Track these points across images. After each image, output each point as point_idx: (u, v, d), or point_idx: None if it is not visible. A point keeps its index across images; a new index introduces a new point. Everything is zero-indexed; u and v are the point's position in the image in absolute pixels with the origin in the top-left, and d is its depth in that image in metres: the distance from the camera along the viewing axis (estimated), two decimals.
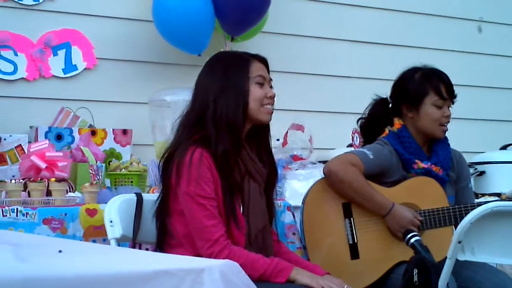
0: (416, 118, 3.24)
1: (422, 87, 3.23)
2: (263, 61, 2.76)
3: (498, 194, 4.13)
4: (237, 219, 2.60)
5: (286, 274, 2.52)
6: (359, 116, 3.42)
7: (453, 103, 3.28)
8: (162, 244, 2.67)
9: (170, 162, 2.64)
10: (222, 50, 3.03)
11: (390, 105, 3.34)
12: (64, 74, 3.98)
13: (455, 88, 3.29)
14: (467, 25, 5.25)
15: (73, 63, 4.00)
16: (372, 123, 3.35)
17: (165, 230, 2.67)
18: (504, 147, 4.72)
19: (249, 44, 4.01)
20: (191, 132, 2.65)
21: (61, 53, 3.98)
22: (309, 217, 3.17)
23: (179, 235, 2.63)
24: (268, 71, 2.77)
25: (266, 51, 2.88)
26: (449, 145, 3.32)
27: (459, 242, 2.47)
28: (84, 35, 4.02)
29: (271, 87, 2.75)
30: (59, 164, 3.20)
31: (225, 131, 2.60)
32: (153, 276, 1.59)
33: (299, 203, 3.26)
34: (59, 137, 3.63)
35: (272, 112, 2.73)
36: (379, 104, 3.37)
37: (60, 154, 3.28)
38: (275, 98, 2.73)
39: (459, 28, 5.21)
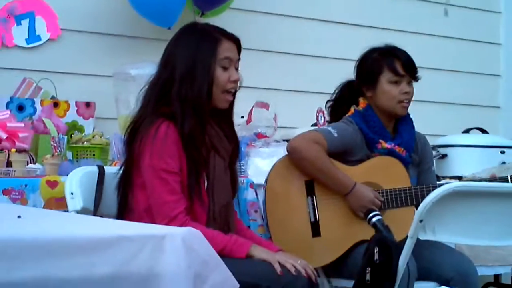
0: (374, 97, 3.25)
1: (376, 65, 3.25)
2: (235, 41, 2.73)
3: (460, 177, 4.16)
4: (200, 195, 2.60)
5: (245, 249, 2.54)
6: (324, 96, 3.44)
7: (415, 80, 3.26)
8: (122, 217, 2.65)
9: (135, 134, 2.62)
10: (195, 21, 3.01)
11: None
12: (27, 44, 3.92)
13: (420, 70, 3.29)
14: (434, 8, 5.26)
15: (37, 34, 3.93)
16: (339, 105, 3.36)
17: (125, 203, 2.66)
18: (466, 131, 4.75)
19: (218, 20, 3.96)
20: (157, 106, 2.64)
21: (25, 22, 3.91)
22: (271, 195, 3.17)
23: (139, 208, 2.62)
24: (239, 51, 2.74)
25: (234, 27, 2.85)
26: (413, 127, 3.33)
27: (421, 221, 2.48)
28: (48, 5, 3.96)
29: (237, 68, 2.72)
30: (20, 135, 3.16)
31: (190, 110, 2.60)
32: (114, 242, 1.58)
33: (262, 181, 3.26)
34: (20, 108, 3.57)
35: (231, 100, 2.72)
36: (346, 86, 3.38)
37: (22, 125, 3.24)
38: (239, 80, 2.72)
39: (425, 11, 5.22)
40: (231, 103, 2.75)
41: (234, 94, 2.73)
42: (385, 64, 3.23)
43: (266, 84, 4.47)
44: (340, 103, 3.35)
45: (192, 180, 2.59)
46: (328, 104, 3.41)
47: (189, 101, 2.60)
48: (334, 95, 3.39)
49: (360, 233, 3.07)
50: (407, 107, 3.27)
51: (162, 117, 2.60)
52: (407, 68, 3.23)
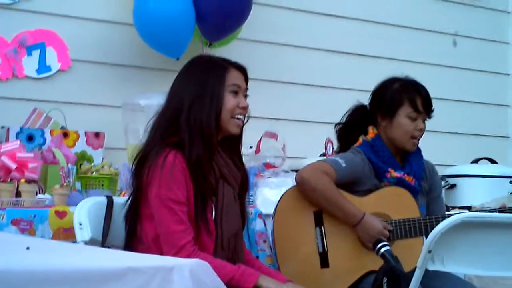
0: (388, 128, 3.25)
1: (398, 97, 3.24)
2: (242, 70, 2.75)
3: (469, 208, 4.15)
4: (207, 223, 2.59)
5: (253, 280, 2.52)
6: (333, 126, 3.42)
7: (429, 117, 3.27)
8: (131, 248, 2.64)
9: (143, 164, 2.62)
10: (201, 54, 3.04)
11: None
12: (38, 74, 3.95)
13: None
14: (443, 39, 5.28)
15: (47, 64, 3.97)
16: (349, 129, 3.35)
17: (134, 234, 2.65)
18: (475, 161, 4.74)
19: (226, 51, 4.00)
20: (164, 135, 2.64)
21: (35, 53, 3.95)
22: (280, 225, 3.17)
23: (148, 239, 2.61)
24: (247, 81, 2.76)
25: (242, 57, 2.87)
26: (422, 156, 3.33)
27: (429, 251, 2.47)
28: (59, 36, 3.99)
29: (245, 97, 2.74)
30: (30, 165, 3.17)
31: (198, 137, 2.59)
32: (123, 273, 1.58)
33: (271, 211, 3.25)
34: (30, 138, 3.59)
35: (241, 125, 2.72)
36: (357, 111, 3.36)
37: (31, 155, 3.25)
38: (248, 108, 2.72)
39: (434, 41, 5.25)
40: (240, 133, 2.75)
41: (243, 124, 2.74)
42: (407, 98, 3.22)
43: (274, 114, 4.49)
44: (350, 127, 3.34)
45: (199, 208, 2.59)
46: (337, 128, 3.39)
47: (198, 128, 2.60)
48: (344, 118, 3.38)
49: (368, 264, 3.05)
50: (417, 144, 3.27)
51: (169, 147, 2.60)
52: (426, 106, 3.23)
